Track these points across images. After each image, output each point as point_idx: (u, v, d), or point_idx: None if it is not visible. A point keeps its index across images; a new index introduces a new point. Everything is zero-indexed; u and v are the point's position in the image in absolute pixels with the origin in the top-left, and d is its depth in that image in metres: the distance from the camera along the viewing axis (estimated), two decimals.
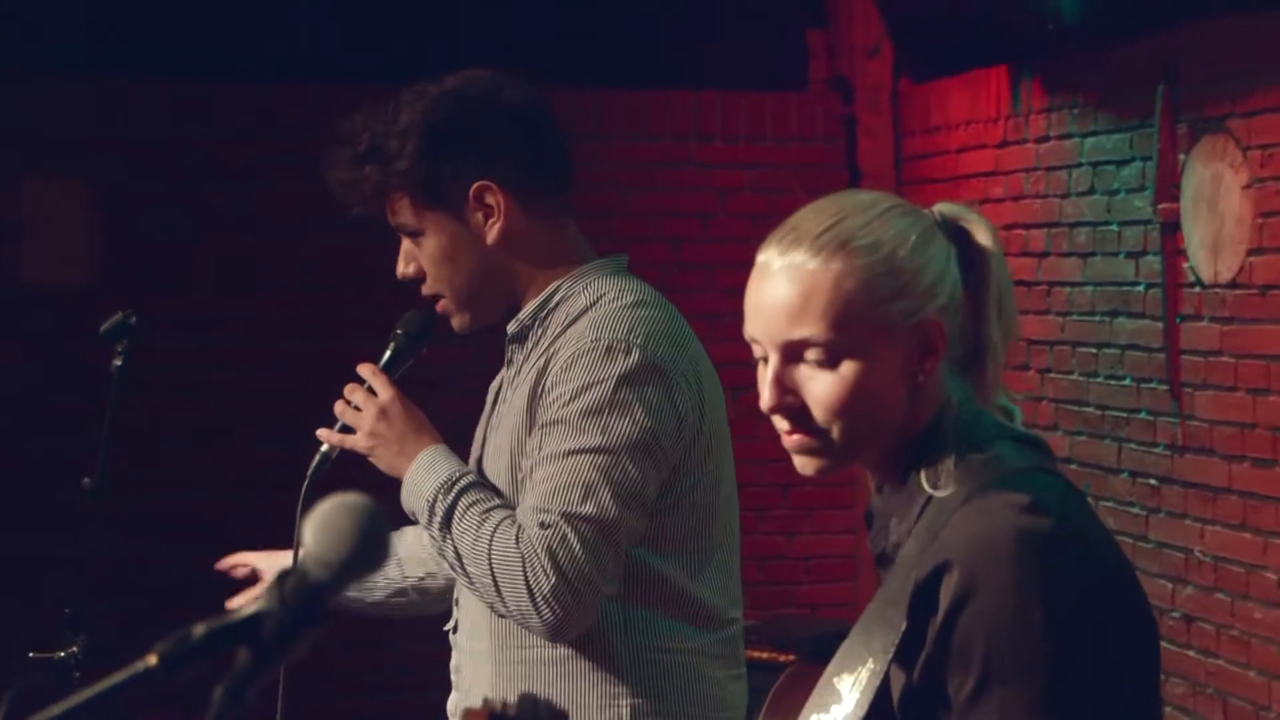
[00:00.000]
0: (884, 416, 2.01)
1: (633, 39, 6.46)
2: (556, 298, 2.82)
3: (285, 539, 5.61)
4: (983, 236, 2.05)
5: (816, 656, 5.13)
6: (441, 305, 2.86)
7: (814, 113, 6.69)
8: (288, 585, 1.36)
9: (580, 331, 2.75)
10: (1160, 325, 5.00)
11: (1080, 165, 5.42)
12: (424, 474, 2.75)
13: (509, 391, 2.86)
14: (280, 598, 1.36)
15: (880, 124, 6.66)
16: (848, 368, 1.98)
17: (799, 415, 2.01)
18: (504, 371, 2.93)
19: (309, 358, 6.04)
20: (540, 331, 2.82)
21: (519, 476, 2.75)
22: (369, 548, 1.37)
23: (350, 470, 2.84)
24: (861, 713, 1.95)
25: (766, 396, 2.02)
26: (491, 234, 2.80)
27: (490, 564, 2.64)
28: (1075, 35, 5.35)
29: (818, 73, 6.76)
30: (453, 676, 2.93)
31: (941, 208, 2.08)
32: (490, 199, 2.79)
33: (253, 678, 1.37)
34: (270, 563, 3.16)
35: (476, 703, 2.74)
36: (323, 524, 1.36)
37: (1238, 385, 4.75)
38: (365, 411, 2.78)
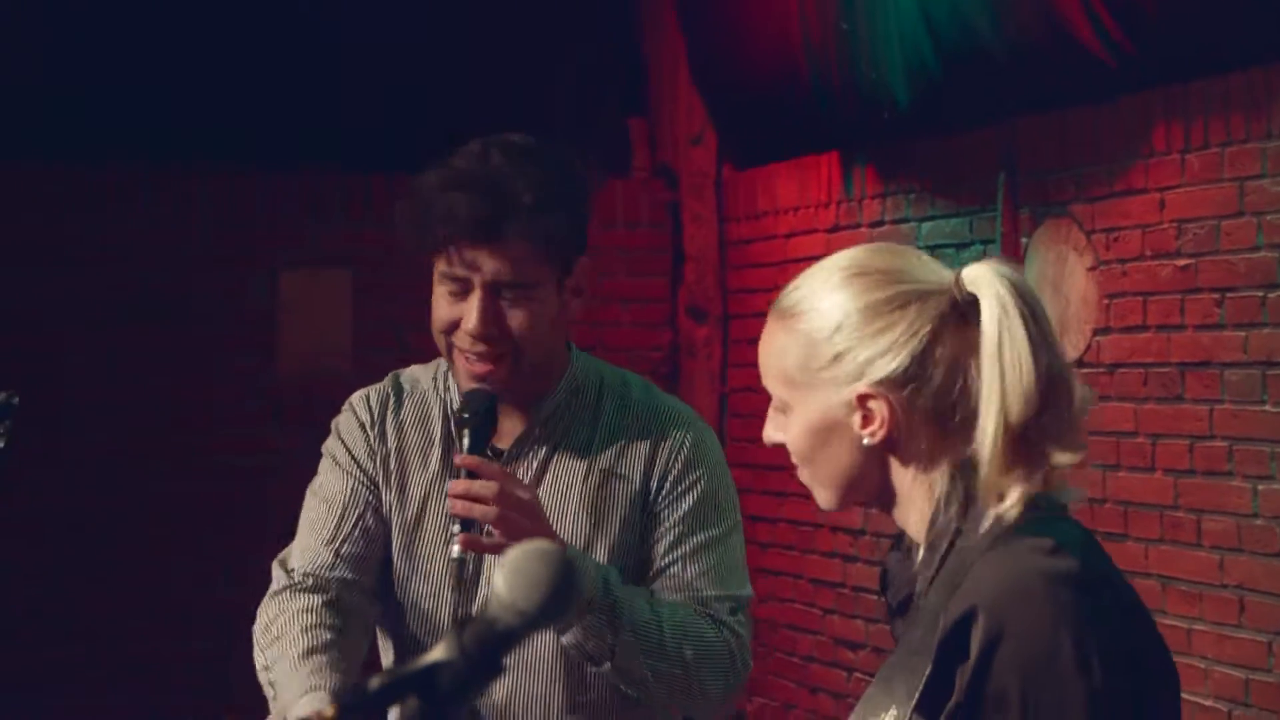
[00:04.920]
0: (840, 470, 2.07)
1: (459, 125, 6.48)
2: (575, 390, 2.79)
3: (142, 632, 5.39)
4: (986, 315, 2.00)
5: None
6: (494, 369, 2.70)
7: (639, 198, 6.77)
8: (468, 635, 1.34)
9: (671, 420, 2.77)
10: None
11: (918, 249, 5.54)
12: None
13: (546, 488, 2.75)
14: (460, 647, 1.34)
15: (705, 209, 6.76)
16: (794, 421, 2.07)
17: (788, 452, 2.12)
18: (521, 448, 2.79)
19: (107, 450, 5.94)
20: (564, 426, 2.77)
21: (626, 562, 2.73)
22: (562, 595, 1.35)
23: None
24: None
25: (765, 430, 2.14)
26: (574, 307, 2.76)
27: (690, 654, 2.64)
28: (909, 123, 5.50)
29: (641, 159, 6.85)
30: None
31: (969, 269, 2.03)
32: (583, 279, 2.76)
33: None
34: None
35: None
36: (518, 571, 1.35)
37: (1086, 461, 4.89)
38: (524, 517, 2.58)
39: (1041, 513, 2.03)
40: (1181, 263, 4.60)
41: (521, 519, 2.55)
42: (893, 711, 1.99)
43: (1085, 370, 4.90)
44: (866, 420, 2.03)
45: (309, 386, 5.91)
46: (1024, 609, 1.92)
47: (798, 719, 6.20)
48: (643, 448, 2.73)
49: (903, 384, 2.01)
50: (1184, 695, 4.54)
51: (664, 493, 2.72)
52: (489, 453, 2.74)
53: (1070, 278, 4.93)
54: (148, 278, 6.08)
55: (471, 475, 2.59)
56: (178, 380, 6.08)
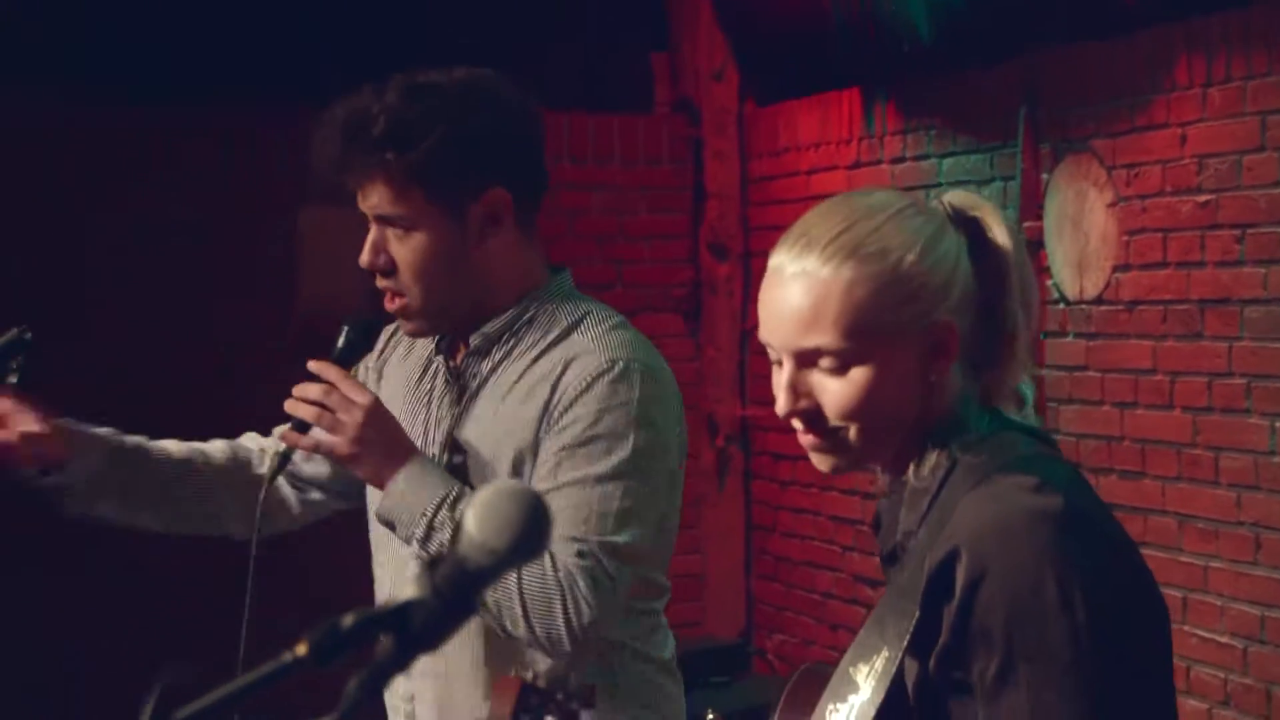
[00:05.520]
0: (897, 416, 2.04)
1: (478, 60, 6.45)
2: (529, 315, 2.73)
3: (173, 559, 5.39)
4: (997, 230, 2.06)
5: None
6: (398, 304, 2.72)
7: (660, 135, 6.73)
8: (440, 574, 1.34)
9: (585, 350, 2.66)
10: None
11: (939, 185, 5.52)
12: (416, 485, 2.60)
13: (478, 404, 2.74)
14: (433, 587, 1.33)
15: (727, 146, 6.72)
16: (860, 373, 2.01)
17: (813, 418, 2.05)
18: (443, 379, 2.80)
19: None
20: (510, 345, 2.72)
21: None
22: (534, 534, 1.35)
23: None
24: (878, 700, 1.97)
25: (781, 401, 2.06)
26: (488, 244, 2.68)
27: (520, 590, 2.54)
28: (930, 59, 5.46)
29: (663, 95, 6.81)
30: (401, 705, 2.82)
31: (952, 199, 2.08)
32: (499, 208, 2.68)
33: (395, 668, 1.35)
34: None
35: None
36: (488, 510, 1.34)
37: (1104, 399, 4.88)
38: (349, 416, 2.62)
39: (1035, 449, 2.04)
40: (1202, 199, 4.56)
41: (345, 418, 2.62)
42: (884, 654, 1.99)
43: (1104, 307, 4.87)
44: (938, 351, 2.02)
45: (324, 327, 5.91)
46: (1007, 547, 1.92)
47: (817, 655, 6.21)
48: (553, 377, 2.66)
49: (959, 307, 2.03)
50: (1200, 632, 4.54)
51: (551, 421, 2.64)
52: (448, 370, 2.80)
53: (1090, 214, 4.90)
54: (168, 219, 6.07)
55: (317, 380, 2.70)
56: (196, 321, 6.08)
